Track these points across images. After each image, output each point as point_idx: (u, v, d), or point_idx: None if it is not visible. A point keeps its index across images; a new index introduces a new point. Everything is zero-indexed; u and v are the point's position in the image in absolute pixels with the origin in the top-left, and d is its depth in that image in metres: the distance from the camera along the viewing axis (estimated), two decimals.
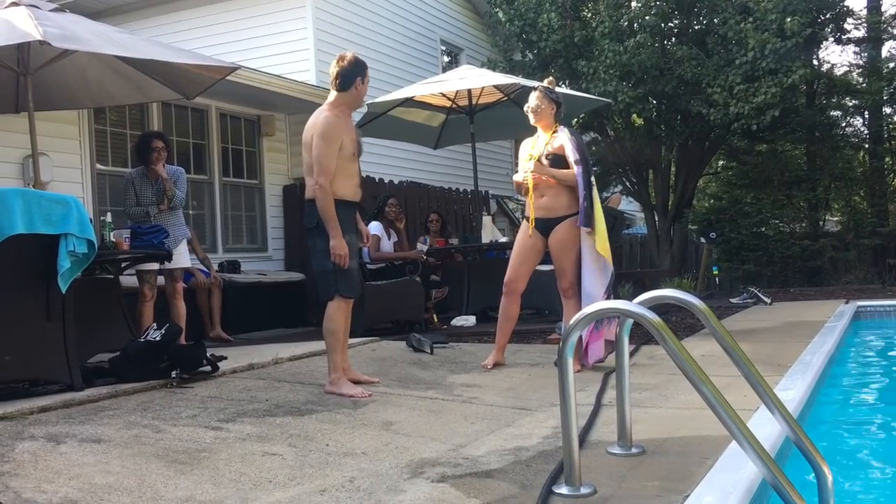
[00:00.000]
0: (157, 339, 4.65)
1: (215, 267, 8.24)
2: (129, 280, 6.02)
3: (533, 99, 5.22)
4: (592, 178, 5.17)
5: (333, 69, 4.44)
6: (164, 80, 6.19)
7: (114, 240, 5.25)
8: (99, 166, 7.88)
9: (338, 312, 4.41)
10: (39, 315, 4.18)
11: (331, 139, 4.28)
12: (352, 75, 4.40)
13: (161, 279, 6.06)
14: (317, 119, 4.38)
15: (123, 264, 5.66)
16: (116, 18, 10.85)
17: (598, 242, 5.01)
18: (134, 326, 5.48)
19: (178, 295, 6.05)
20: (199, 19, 10.81)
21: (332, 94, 4.46)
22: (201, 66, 5.88)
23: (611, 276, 5.08)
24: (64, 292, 4.13)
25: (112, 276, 5.61)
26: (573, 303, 5.11)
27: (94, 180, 7.78)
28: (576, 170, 5.03)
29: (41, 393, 4.14)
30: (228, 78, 6.28)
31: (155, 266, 5.84)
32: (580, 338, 5.21)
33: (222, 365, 4.91)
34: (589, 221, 5.00)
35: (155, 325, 4.85)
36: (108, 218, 5.46)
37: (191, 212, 8.83)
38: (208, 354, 4.83)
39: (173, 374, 4.52)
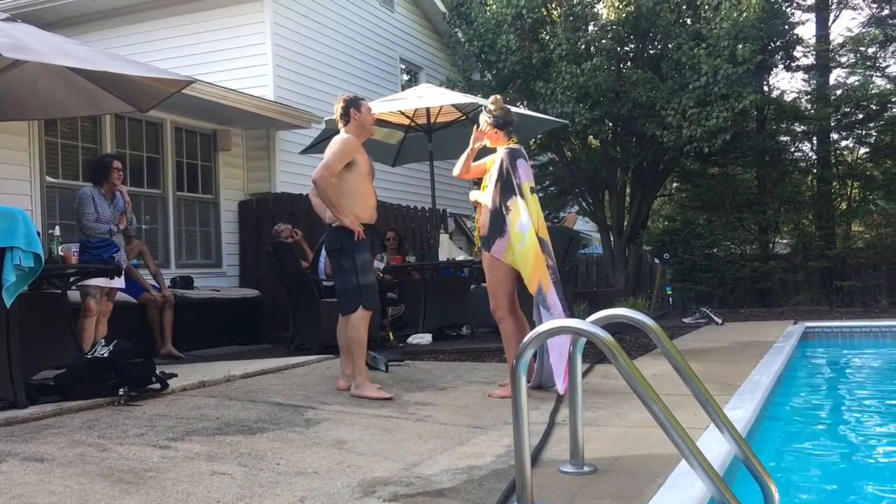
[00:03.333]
0: (105, 355, 4.56)
1: (167, 283, 8.11)
2: (77, 295, 5.91)
3: (479, 120, 5.20)
4: (512, 203, 4.83)
5: (335, 114, 5.16)
6: (117, 92, 6.10)
7: (62, 253, 5.14)
8: (49, 179, 7.73)
9: (361, 322, 4.94)
10: None
11: (345, 149, 4.93)
12: (346, 111, 5.07)
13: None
14: (338, 137, 5.05)
15: (72, 279, 5.54)
16: (70, 30, 10.69)
17: (520, 267, 4.84)
18: (81, 342, 5.36)
19: (108, 314, 6.04)
20: (156, 32, 10.70)
21: (342, 130, 5.11)
22: (156, 78, 5.80)
23: (542, 300, 4.81)
24: (8, 307, 4.03)
25: (59, 291, 5.48)
26: (503, 326, 5.01)
27: (43, 193, 7.62)
28: (491, 192, 4.95)
29: None
30: (184, 91, 6.22)
31: (101, 282, 5.76)
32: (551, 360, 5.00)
33: (172, 382, 4.83)
34: (489, 245, 4.90)
35: (103, 340, 4.74)
36: (57, 231, 5.35)
37: (144, 226, 8.70)
38: (158, 372, 4.75)
39: (121, 391, 4.42)
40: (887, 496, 3.53)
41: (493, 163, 5.07)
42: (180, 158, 9.32)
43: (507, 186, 4.89)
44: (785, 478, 3.59)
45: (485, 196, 5.03)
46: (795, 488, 3.54)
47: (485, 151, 5.20)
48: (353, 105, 5.08)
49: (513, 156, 4.95)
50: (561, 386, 4.69)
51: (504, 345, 5.13)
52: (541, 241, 4.84)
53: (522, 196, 4.85)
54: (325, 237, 5.18)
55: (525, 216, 4.81)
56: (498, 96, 5.21)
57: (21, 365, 4.24)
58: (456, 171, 5.29)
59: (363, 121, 5.10)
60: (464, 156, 5.20)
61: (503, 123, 5.06)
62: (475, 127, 5.19)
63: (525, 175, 4.92)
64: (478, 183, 5.33)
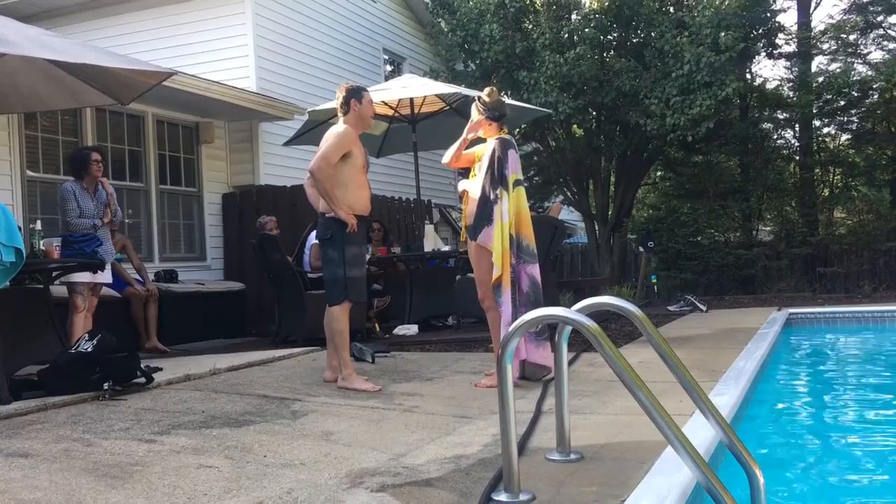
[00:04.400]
0: (89, 350, 4.52)
1: (151, 276, 8.06)
2: (61, 290, 5.86)
3: (471, 110, 5.19)
4: (500, 192, 4.84)
5: (336, 102, 5.11)
6: (98, 85, 6.04)
7: (44, 248, 5.09)
8: (30, 173, 7.65)
9: (343, 314, 4.94)
10: None
11: (343, 141, 4.88)
12: (346, 101, 5.00)
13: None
14: (335, 128, 4.98)
15: (54, 274, 5.49)
16: (49, 22, 10.56)
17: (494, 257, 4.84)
18: (65, 337, 5.32)
19: (92, 309, 5.98)
20: (136, 24, 10.59)
21: (340, 120, 5.05)
22: (136, 70, 5.74)
23: (497, 294, 4.84)
24: None
25: (42, 286, 5.44)
26: (490, 315, 5.02)
27: (24, 187, 7.55)
28: (481, 180, 4.95)
29: None
30: (166, 84, 6.16)
31: (86, 277, 5.71)
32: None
33: (158, 376, 4.81)
34: (475, 234, 4.92)
35: (87, 335, 4.71)
36: (38, 226, 5.30)
37: (127, 220, 8.63)
38: (143, 365, 4.72)
39: (105, 386, 4.40)
40: (870, 478, 3.57)
41: (483, 152, 5.08)
42: (163, 151, 9.25)
43: (497, 176, 4.92)
44: (770, 462, 3.62)
45: (473, 185, 5.05)
46: (780, 472, 3.57)
47: (476, 141, 5.19)
48: (354, 95, 5.01)
49: (504, 146, 4.97)
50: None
51: (491, 334, 5.14)
52: (511, 237, 4.83)
53: (506, 188, 4.88)
54: (318, 226, 5.18)
55: (506, 210, 4.85)
56: (493, 88, 5.22)
57: (4, 360, 4.21)
58: (445, 159, 5.29)
59: (363, 113, 5.03)
60: (455, 145, 5.20)
61: (497, 116, 5.07)
62: (470, 119, 5.18)
63: (513, 166, 4.95)
64: (463, 173, 5.32)
